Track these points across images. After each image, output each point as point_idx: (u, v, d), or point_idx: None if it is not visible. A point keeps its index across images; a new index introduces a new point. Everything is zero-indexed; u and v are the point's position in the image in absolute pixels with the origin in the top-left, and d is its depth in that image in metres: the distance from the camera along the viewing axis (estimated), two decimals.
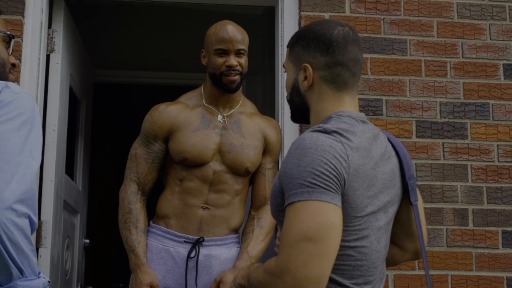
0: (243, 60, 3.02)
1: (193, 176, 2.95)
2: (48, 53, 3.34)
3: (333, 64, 1.87)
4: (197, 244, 2.92)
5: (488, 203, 3.24)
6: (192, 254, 2.90)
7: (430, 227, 3.18)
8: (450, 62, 3.36)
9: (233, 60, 2.97)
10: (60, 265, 3.46)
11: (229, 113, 3.06)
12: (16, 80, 3.07)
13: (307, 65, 1.88)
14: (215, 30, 3.03)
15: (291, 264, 1.62)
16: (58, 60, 3.38)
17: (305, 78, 1.89)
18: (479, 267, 3.18)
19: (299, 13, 3.32)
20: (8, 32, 2.09)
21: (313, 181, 1.66)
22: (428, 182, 3.22)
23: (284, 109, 3.28)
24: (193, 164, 2.95)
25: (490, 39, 3.40)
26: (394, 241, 2.00)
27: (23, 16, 3.16)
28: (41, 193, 3.25)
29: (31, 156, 1.81)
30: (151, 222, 3.02)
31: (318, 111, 1.89)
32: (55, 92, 3.36)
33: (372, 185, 1.79)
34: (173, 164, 3.00)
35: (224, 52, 2.98)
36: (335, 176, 1.69)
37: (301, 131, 3.19)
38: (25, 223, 1.75)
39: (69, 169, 3.78)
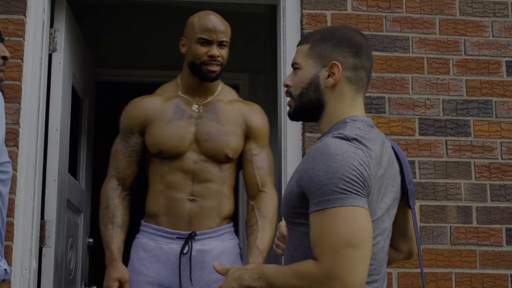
0: (225, 52, 3.01)
1: (173, 169, 2.94)
2: (50, 52, 3.34)
3: (359, 67, 1.93)
4: (189, 239, 2.91)
5: (491, 200, 3.23)
6: (185, 250, 2.89)
7: (434, 225, 3.17)
8: (452, 59, 3.35)
9: (215, 51, 2.96)
10: (64, 265, 3.46)
11: (205, 101, 3.04)
12: (19, 80, 3.07)
13: (337, 63, 1.90)
14: (199, 19, 3.02)
15: (338, 270, 1.65)
16: (60, 60, 3.37)
17: (330, 75, 1.91)
18: (483, 265, 3.17)
19: (301, 11, 3.32)
20: None
21: (345, 187, 1.70)
22: (431, 179, 3.22)
23: (286, 107, 3.26)
24: (169, 156, 2.94)
25: (493, 36, 3.39)
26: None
27: (25, 16, 3.16)
28: (44, 192, 3.25)
29: None
30: (142, 221, 3.02)
31: (334, 110, 1.92)
32: (58, 91, 3.36)
33: (380, 190, 1.83)
34: (153, 159, 3.00)
35: (207, 42, 2.97)
36: (363, 182, 1.73)
37: (304, 130, 3.19)
38: None
39: (72, 169, 3.78)
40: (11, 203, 2.97)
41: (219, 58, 2.97)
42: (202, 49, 2.96)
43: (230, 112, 3.04)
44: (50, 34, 3.34)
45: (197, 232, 2.92)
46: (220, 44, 2.98)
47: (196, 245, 2.91)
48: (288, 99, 2.02)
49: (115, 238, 2.91)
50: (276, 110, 3.45)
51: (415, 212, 2.03)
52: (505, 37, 3.39)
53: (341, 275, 1.64)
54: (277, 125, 3.43)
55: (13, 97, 3.05)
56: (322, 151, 1.76)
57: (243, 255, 3.16)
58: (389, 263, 2.06)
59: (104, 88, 4.86)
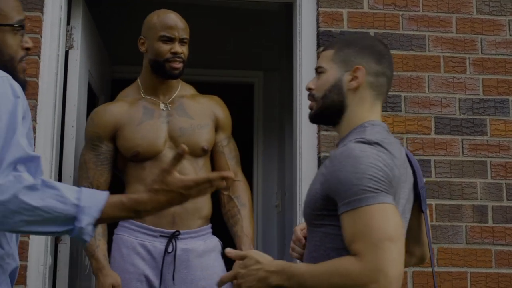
0: (185, 48, 3.03)
1: (153, 170, 2.92)
2: (67, 49, 3.35)
3: (381, 74, 2.01)
4: (173, 238, 2.91)
5: (507, 199, 3.21)
6: (170, 249, 2.90)
7: (450, 224, 3.16)
8: (469, 58, 3.34)
9: (178, 48, 2.98)
10: (79, 260, 3.47)
11: (170, 99, 3.05)
12: (35, 76, 3.09)
13: (361, 67, 1.98)
14: (158, 17, 3.03)
15: (381, 263, 1.68)
16: (76, 57, 3.39)
17: (353, 79, 1.98)
18: (499, 264, 3.16)
19: (317, 9, 3.31)
20: (16, 25, 2.03)
21: (375, 186, 1.76)
22: (447, 178, 3.21)
23: (302, 105, 3.27)
24: (147, 157, 2.94)
25: (510, 35, 3.37)
26: None
27: (42, 13, 3.17)
28: None
29: None
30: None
31: (353, 114, 1.99)
32: (74, 88, 3.37)
33: (397, 193, 1.87)
34: (128, 163, 2.99)
35: (169, 39, 2.98)
36: (389, 182, 1.80)
37: (319, 128, 3.18)
38: None
39: None
40: None
41: (182, 55, 2.99)
42: (165, 47, 2.98)
43: (197, 106, 3.07)
44: (67, 31, 3.35)
45: (180, 232, 2.92)
46: (182, 41, 3.00)
47: (180, 244, 2.92)
48: (309, 102, 2.08)
49: (99, 246, 2.90)
50: (292, 109, 3.45)
51: (427, 216, 2.08)
52: None
53: (384, 267, 1.68)
54: (292, 123, 3.43)
55: (30, 94, 3.06)
56: (348, 154, 1.81)
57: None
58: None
59: (119, 85, 4.87)
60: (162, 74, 3.00)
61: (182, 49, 2.99)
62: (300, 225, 2.18)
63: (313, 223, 1.94)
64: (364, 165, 1.78)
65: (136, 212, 1.84)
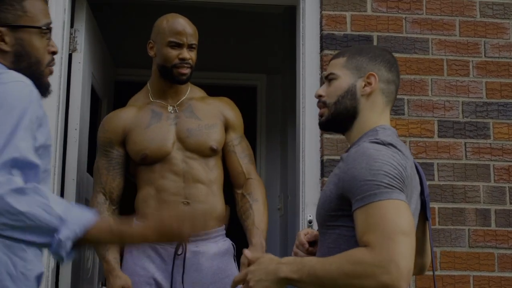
0: (194, 54, 3.03)
1: (163, 172, 2.94)
2: (70, 52, 3.36)
3: (392, 82, 2.07)
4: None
5: (510, 203, 3.21)
6: (179, 251, 2.90)
7: (452, 227, 3.16)
8: (472, 61, 3.34)
9: (186, 54, 2.98)
10: (81, 264, 3.47)
11: (178, 102, 3.06)
12: None
13: (374, 74, 2.03)
14: (167, 22, 3.03)
15: (394, 255, 1.70)
16: (80, 59, 3.39)
17: (366, 84, 2.03)
18: (502, 268, 3.15)
19: (321, 12, 3.31)
20: (44, 27, 2.02)
21: (389, 183, 1.79)
22: (450, 182, 3.20)
23: (305, 108, 3.27)
24: (155, 159, 2.95)
25: None
26: None
27: (50, 18, 3.17)
28: (63, 192, 3.27)
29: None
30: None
31: (365, 119, 2.03)
32: (77, 91, 3.38)
33: (409, 194, 1.90)
34: (139, 167, 3.01)
35: (178, 45, 2.98)
36: (403, 181, 1.83)
37: (322, 132, 3.17)
38: None
39: (91, 168, 3.79)
40: None
41: (190, 61, 3.00)
42: (173, 52, 2.98)
43: (206, 107, 3.07)
44: (71, 34, 3.36)
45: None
46: (190, 47, 3.00)
47: (191, 247, 2.91)
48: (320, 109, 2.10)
49: (109, 249, 2.90)
50: (295, 112, 3.45)
51: (430, 224, 2.10)
52: None
53: (396, 259, 1.69)
54: (295, 126, 3.43)
55: None
56: (362, 153, 1.85)
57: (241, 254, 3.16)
58: None
59: (122, 87, 4.88)
60: (170, 79, 3.02)
61: (190, 55, 2.99)
62: (304, 230, 2.19)
63: (326, 225, 1.95)
64: (379, 163, 1.81)
65: (122, 241, 1.82)
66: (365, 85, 2.03)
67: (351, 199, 1.83)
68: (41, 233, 1.70)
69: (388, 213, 1.75)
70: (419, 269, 2.17)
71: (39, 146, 1.87)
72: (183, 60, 2.97)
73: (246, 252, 2.01)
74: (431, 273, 3.06)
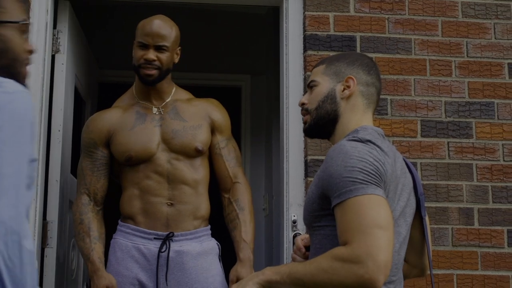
0: (164, 56, 2.99)
1: (147, 173, 2.95)
2: (53, 53, 3.35)
3: (371, 84, 2.10)
4: (167, 239, 2.91)
5: (493, 202, 3.23)
6: (163, 249, 2.90)
7: (436, 226, 3.18)
8: (455, 61, 3.36)
9: (150, 54, 2.96)
10: (66, 265, 3.46)
11: (163, 104, 3.06)
12: None
13: (352, 77, 2.07)
14: (143, 23, 3.04)
15: (369, 249, 1.71)
16: (63, 61, 3.38)
17: (346, 88, 2.07)
18: (485, 267, 3.17)
19: (304, 12, 3.32)
20: (22, 22, 1.94)
21: (364, 179, 1.80)
22: (433, 181, 3.22)
23: (288, 108, 3.28)
24: (140, 160, 2.95)
25: (495, 38, 3.39)
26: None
27: (28, 17, 3.16)
28: (46, 193, 3.26)
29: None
30: (119, 221, 3.02)
31: (347, 121, 2.06)
32: (60, 92, 3.37)
33: (396, 192, 1.92)
34: (124, 168, 3.01)
35: (144, 46, 2.98)
36: (380, 176, 1.84)
37: None
38: None
39: (75, 169, 3.78)
40: None
41: (156, 62, 2.97)
42: (140, 52, 2.99)
43: (191, 109, 3.07)
44: (53, 35, 3.35)
45: (174, 233, 2.92)
46: (159, 48, 2.98)
47: (174, 246, 2.92)
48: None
49: (94, 249, 2.90)
50: (279, 112, 3.45)
51: (426, 223, 2.11)
52: (508, 39, 3.40)
53: (372, 253, 1.71)
54: (279, 127, 3.43)
55: None
56: (339, 150, 1.87)
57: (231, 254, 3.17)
58: (403, 278, 2.08)
59: (107, 89, 4.87)
60: (140, 79, 3.02)
61: (158, 56, 2.97)
62: (301, 235, 2.21)
63: (312, 226, 1.98)
64: (354, 159, 1.83)
65: None
66: (344, 89, 2.07)
67: (330, 197, 1.85)
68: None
69: (363, 208, 1.77)
70: (420, 270, 2.17)
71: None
72: (146, 60, 2.96)
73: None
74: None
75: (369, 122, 2.08)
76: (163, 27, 2.99)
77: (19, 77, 1.96)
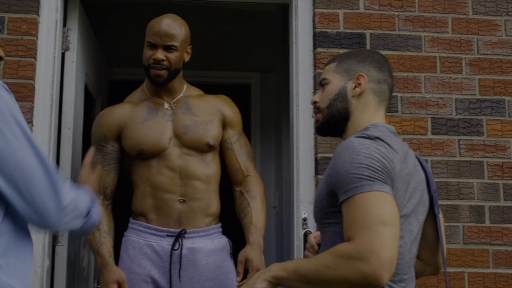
0: (173, 55, 2.98)
1: (159, 168, 2.95)
2: (63, 51, 3.35)
3: (383, 81, 2.10)
4: (179, 236, 2.92)
5: (504, 199, 3.22)
6: (176, 247, 2.90)
7: (447, 224, 3.16)
8: (465, 58, 3.34)
9: (159, 54, 2.96)
10: (76, 263, 3.47)
11: (174, 100, 3.07)
12: (32, 79, 3.09)
13: (363, 74, 2.06)
14: (152, 22, 3.03)
15: (373, 245, 1.71)
16: (73, 59, 3.39)
17: (357, 86, 2.07)
18: (496, 264, 3.16)
19: (313, 10, 3.32)
20: None
21: (371, 175, 1.80)
22: (444, 179, 3.21)
23: (298, 106, 3.27)
24: (151, 154, 2.95)
25: (506, 35, 3.38)
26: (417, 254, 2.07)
27: (38, 15, 3.17)
28: None
29: None
30: (131, 218, 3.03)
31: (359, 118, 2.06)
32: (70, 90, 3.37)
33: (407, 190, 1.92)
34: (135, 163, 3.01)
35: (153, 45, 2.98)
36: (387, 173, 1.83)
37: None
38: None
39: None
40: None
41: (165, 62, 2.97)
42: (149, 52, 2.99)
43: (202, 104, 3.08)
44: (63, 33, 3.35)
45: (187, 230, 2.93)
46: (168, 48, 2.98)
47: (187, 243, 2.92)
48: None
49: (103, 243, 2.90)
50: (288, 110, 3.45)
51: (439, 220, 2.10)
52: None
53: (376, 248, 1.70)
54: (289, 124, 3.43)
55: (27, 96, 3.07)
56: (346, 147, 1.87)
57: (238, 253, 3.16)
58: (416, 276, 2.08)
59: (116, 87, 4.88)
60: (149, 80, 3.02)
61: (166, 56, 2.96)
62: (314, 233, 2.21)
63: (322, 223, 1.99)
64: (362, 156, 1.83)
65: None
66: (355, 86, 2.07)
67: (338, 193, 1.85)
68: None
69: (368, 204, 1.77)
70: (434, 269, 2.17)
71: None
72: (155, 60, 2.96)
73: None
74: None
75: (381, 119, 2.08)
76: (172, 26, 2.99)
77: None
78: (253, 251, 2.84)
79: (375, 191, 1.78)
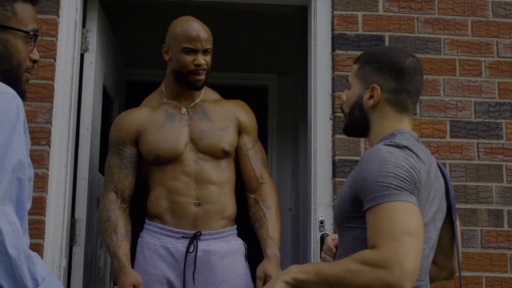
0: (209, 58, 3.03)
1: (175, 173, 2.95)
2: (82, 52, 3.37)
3: (400, 91, 2.04)
4: (194, 238, 2.92)
5: None
6: (191, 249, 2.90)
7: (465, 228, 3.15)
8: (485, 61, 3.32)
9: (201, 59, 2.98)
10: (93, 263, 3.48)
11: (192, 104, 3.07)
12: (51, 79, 3.10)
13: (377, 86, 2.03)
14: (182, 27, 3.02)
15: (397, 255, 1.71)
16: (92, 59, 3.40)
17: (371, 97, 2.04)
18: None
19: (332, 12, 3.31)
20: (31, 32, 1.99)
21: (399, 185, 1.80)
22: (462, 182, 3.19)
23: (316, 108, 3.27)
24: (168, 159, 2.96)
25: None
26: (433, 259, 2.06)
27: (58, 16, 3.19)
28: (75, 191, 3.28)
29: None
30: (146, 219, 3.03)
31: (378, 128, 2.04)
32: (89, 91, 3.39)
33: (428, 198, 1.92)
34: (152, 167, 3.02)
35: (193, 51, 2.98)
36: (414, 184, 1.83)
37: (334, 132, 3.18)
38: None
39: (103, 168, 3.80)
40: (43, 201, 3.00)
41: (205, 66, 3.00)
42: (188, 58, 2.98)
43: (219, 110, 3.08)
44: (82, 34, 3.36)
45: (202, 232, 2.93)
46: (205, 51, 3.00)
47: (202, 245, 2.92)
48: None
49: (121, 246, 2.91)
50: (306, 112, 3.44)
51: (456, 226, 2.09)
52: None
53: (400, 258, 1.71)
54: (306, 126, 3.42)
55: (46, 96, 3.08)
56: (375, 155, 1.87)
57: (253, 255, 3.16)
58: (431, 281, 2.08)
59: (134, 87, 4.90)
60: (185, 84, 3.03)
61: (205, 60, 3.00)
62: (332, 235, 2.21)
63: (343, 226, 1.98)
64: (390, 165, 1.83)
65: None
66: (369, 97, 2.05)
67: (363, 200, 1.85)
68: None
69: (395, 214, 1.77)
70: (449, 273, 2.17)
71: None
72: (198, 66, 2.98)
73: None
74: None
75: (406, 126, 2.05)
76: (205, 30, 3.02)
77: (19, 82, 1.97)
78: (271, 265, 2.86)
79: (402, 201, 1.78)
